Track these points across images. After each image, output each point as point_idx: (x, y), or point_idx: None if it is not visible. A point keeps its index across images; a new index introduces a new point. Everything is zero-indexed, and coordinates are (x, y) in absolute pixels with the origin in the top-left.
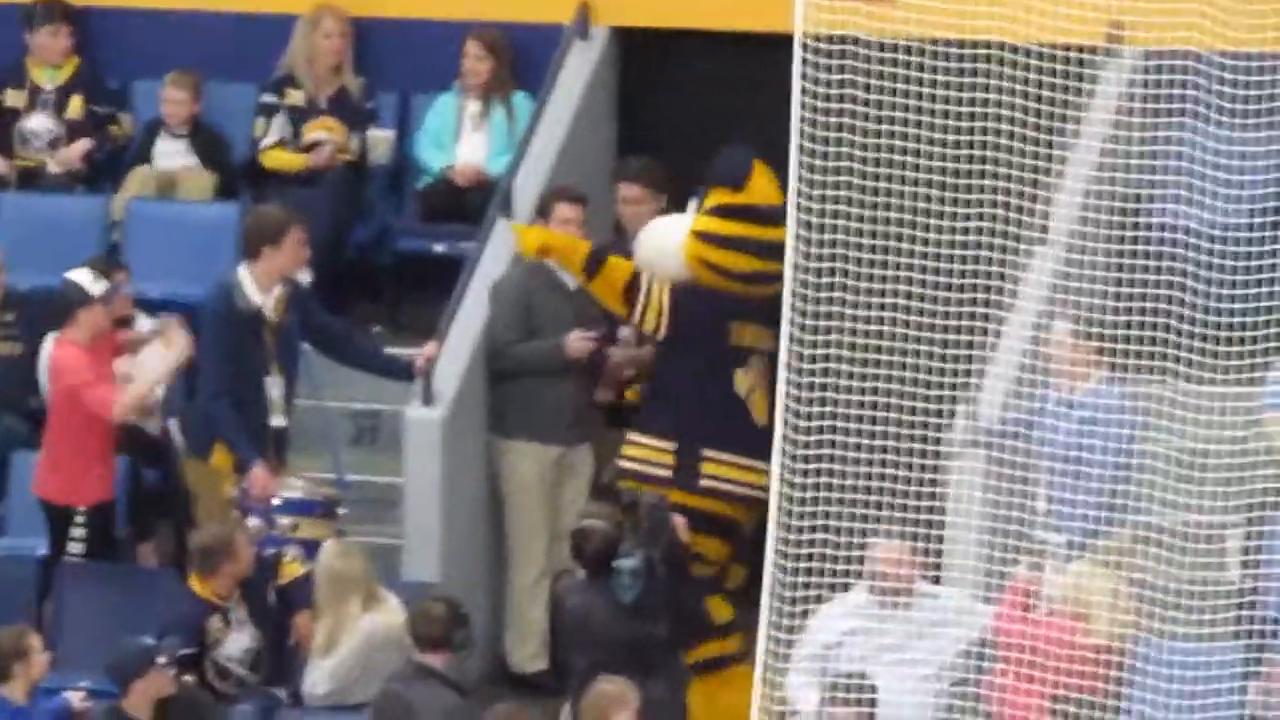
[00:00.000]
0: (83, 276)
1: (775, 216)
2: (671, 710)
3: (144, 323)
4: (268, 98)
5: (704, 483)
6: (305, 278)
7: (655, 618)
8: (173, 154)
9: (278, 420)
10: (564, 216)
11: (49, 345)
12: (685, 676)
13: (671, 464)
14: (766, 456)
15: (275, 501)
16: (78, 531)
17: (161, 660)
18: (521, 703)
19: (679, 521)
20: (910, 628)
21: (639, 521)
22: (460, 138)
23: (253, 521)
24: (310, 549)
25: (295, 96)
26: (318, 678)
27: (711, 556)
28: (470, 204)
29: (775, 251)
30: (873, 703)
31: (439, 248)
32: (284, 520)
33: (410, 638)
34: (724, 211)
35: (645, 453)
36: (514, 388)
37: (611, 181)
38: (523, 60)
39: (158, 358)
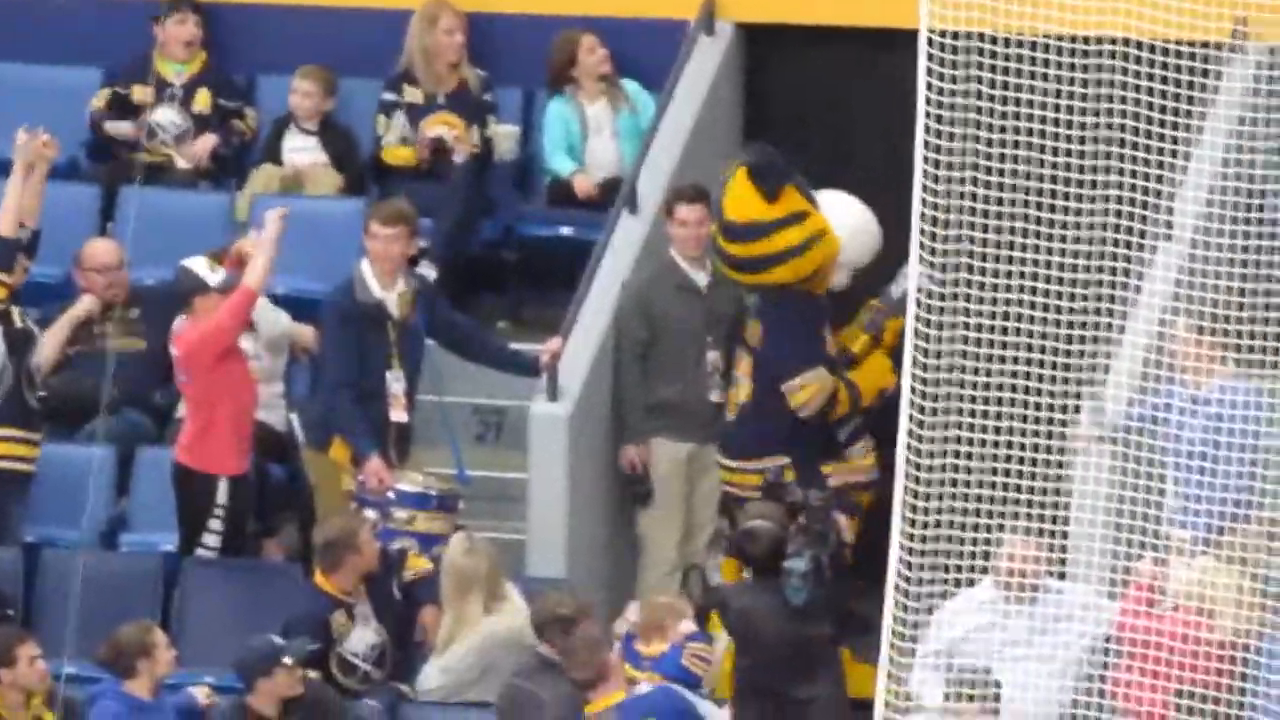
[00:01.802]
0: (199, 265)
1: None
2: (834, 710)
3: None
4: (388, 95)
5: None
6: (430, 273)
7: (820, 619)
8: (302, 149)
9: (399, 415)
10: (683, 218)
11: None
12: (842, 678)
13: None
14: None
15: (390, 495)
16: (215, 524)
17: (288, 661)
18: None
19: (842, 522)
20: (1035, 623)
21: (806, 522)
22: (588, 140)
23: (369, 514)
24: (427, 542)
25: (414, 94)
26: (430, 673)
27: None
28: (599, 196)
29: None
30: (997, 698)
31: (566, 231)
32: (400, 513)
33: (534, 630)
34: None
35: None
36: (646, 385)
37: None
38: (645, 57)
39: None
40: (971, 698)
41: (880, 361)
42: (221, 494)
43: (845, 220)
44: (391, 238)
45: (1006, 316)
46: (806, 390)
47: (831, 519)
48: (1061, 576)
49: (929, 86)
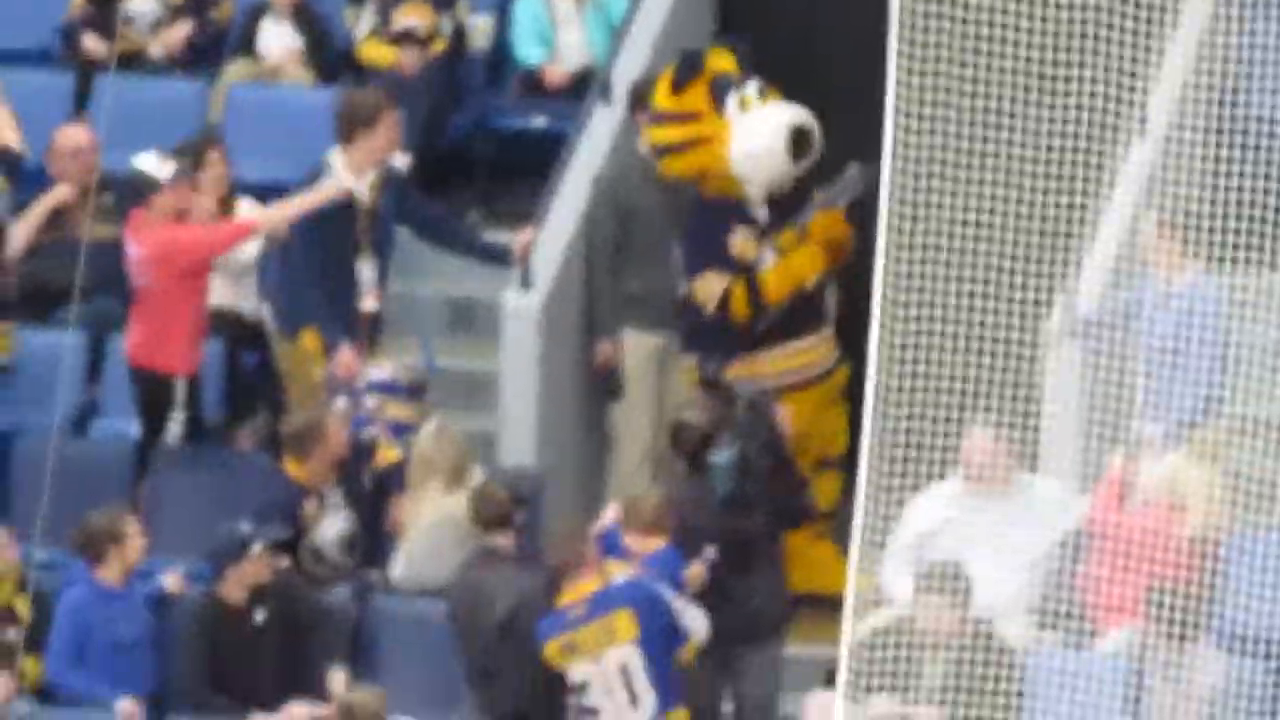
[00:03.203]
0: (148, 162)
1: None
2: (772, 601)
3: (245, 205)
4: None
5: None
6: (402, 163)
7: (752, 511)
8: (277, 35)
9: (369, 304)
10: None
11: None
12: (781, 568)
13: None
14: None
15: (361, 383)
16: (179, 414)
17: (257, 548)
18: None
19: (783, 413)
20: (1006, 517)
21: (736, 413)
22: (556, 30)
23: (339, 402)
24: (397, 430)
25: None
26: (398, 560)
27: None
28: (570, 87)
29: None
30: (967, 591)
31: (538, 122)
32: (369, 401)
33: (473, 521)
34: None
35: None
36: (617, 278)
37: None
38: None
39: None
40: (941, 590)
41: (802, 256)
42: (180, 390)
43: (749, 140)
44: (398, 126)
45: (980, 210)
46: (700, 290)
47: (768, 411)
48: (1034, 470)
49: None
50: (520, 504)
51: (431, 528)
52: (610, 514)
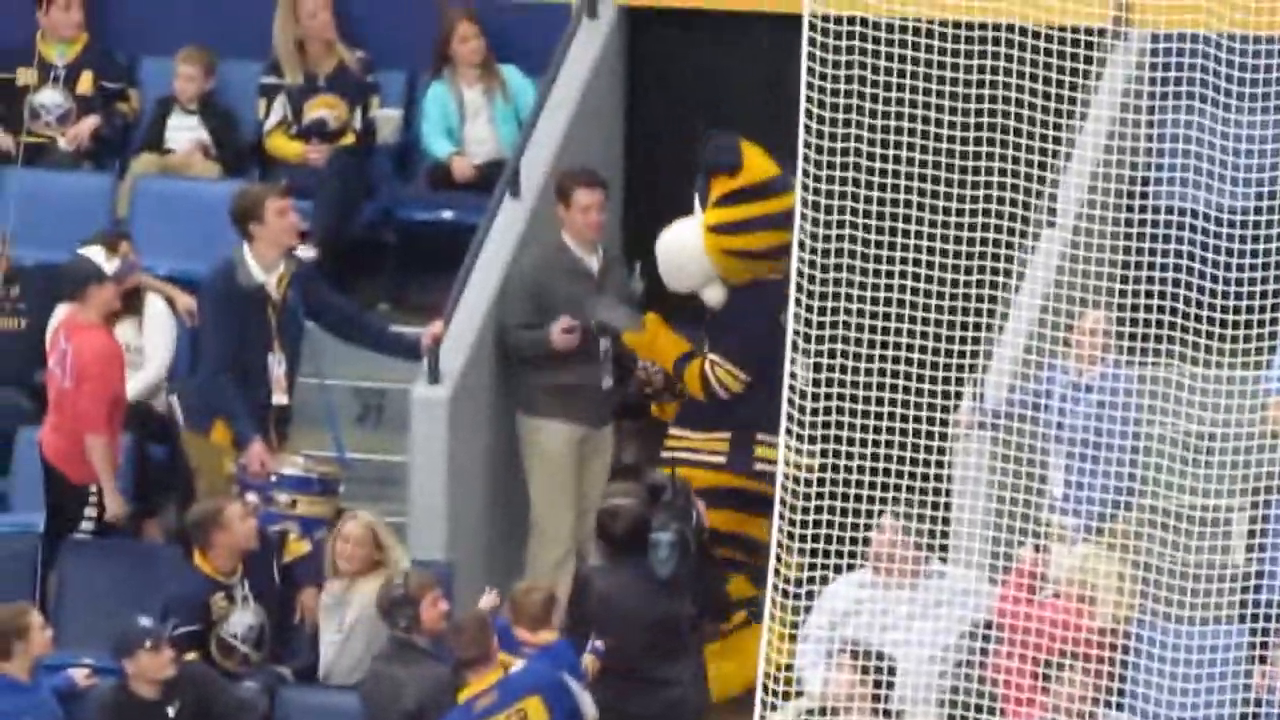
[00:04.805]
0: (96, 254)
1: (780, 185)
2: (695, 690)
3: (152, 298)
4: (267, 79)
5: (757, 466)
6: (310, 255)
7: (684, 596)
8: (184, 129)
9: (279, 398)
10: (584, 203)
11: (59, 319)
12: (702, 657)
13: (725, 450)
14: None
15: (272, 478)
16: (91, 511)
17: (148, 644)
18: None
19: (701, 506)
20: (915, 607)
21: (667, 498)
22: (465, 124)
23: (250, 498)
24: (309, 526)
25: (294, 76)
26: (324, 653)
27: (761, 539)
28: (478, 180)
29: (790, 219)
30: (878, 684)
31: (446, 214)
32: (282, 497)
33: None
34: (731, 198)
35: (695, 443)
36: (543, 368)
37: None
38: (529, 40)
39: (163, 333)
40: (854, 670)
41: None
42: (94, 495)
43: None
44: (289, 210)
45: (888, 301)
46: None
47: (691, 498)
48: (943, 561)
49: (811, 72)
50: (426, 592)
51: (362, 620)
52: (485, 602)
